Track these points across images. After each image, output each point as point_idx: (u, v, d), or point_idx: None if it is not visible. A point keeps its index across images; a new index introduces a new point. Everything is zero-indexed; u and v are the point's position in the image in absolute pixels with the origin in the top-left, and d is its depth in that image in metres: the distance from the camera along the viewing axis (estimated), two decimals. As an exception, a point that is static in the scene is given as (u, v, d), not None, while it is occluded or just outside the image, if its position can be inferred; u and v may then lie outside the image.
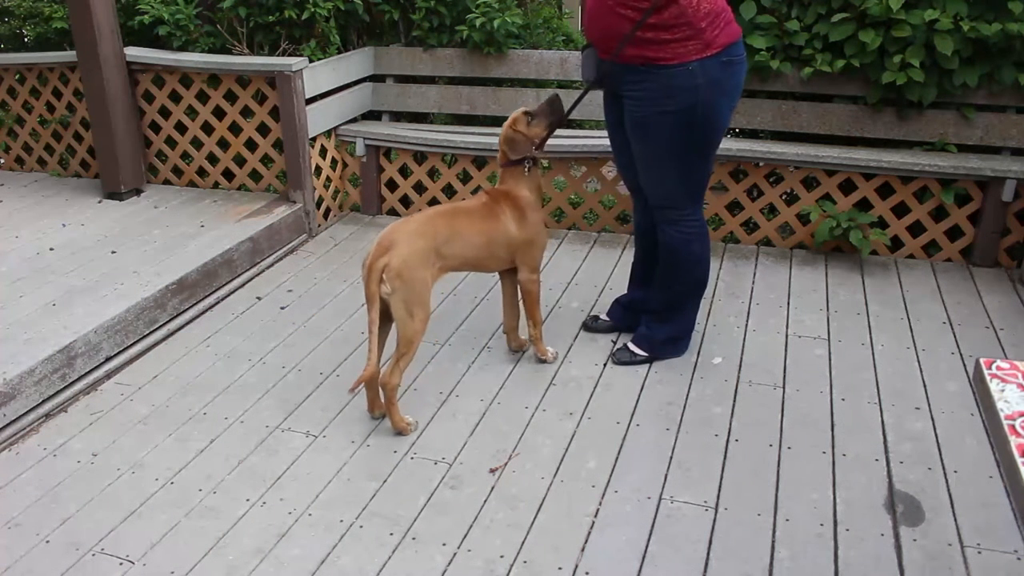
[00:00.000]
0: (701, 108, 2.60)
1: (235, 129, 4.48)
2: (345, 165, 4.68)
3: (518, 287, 2.98)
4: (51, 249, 3.85)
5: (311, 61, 4.23)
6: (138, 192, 4.56)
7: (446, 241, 2.68)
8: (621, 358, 3.04)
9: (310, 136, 4.27)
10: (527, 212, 2.86)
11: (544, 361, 3.05)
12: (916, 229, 3.94)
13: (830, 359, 3.06)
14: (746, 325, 3.31)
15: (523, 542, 2.23)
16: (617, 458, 2.55)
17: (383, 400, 2.69)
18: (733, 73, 2.65)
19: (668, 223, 2.85)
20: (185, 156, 4.67)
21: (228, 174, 4.65)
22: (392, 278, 2.52)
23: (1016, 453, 1.24)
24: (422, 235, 2.61)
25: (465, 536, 2.26)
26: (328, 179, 4.56)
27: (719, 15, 2.57)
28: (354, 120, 4.69)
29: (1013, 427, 1.30)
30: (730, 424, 2.70)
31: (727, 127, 2.79)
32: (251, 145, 4.49)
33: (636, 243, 3.17)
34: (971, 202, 3.81)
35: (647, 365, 3.03)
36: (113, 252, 3.78)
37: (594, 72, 2.76)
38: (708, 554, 2.17)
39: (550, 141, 4.19)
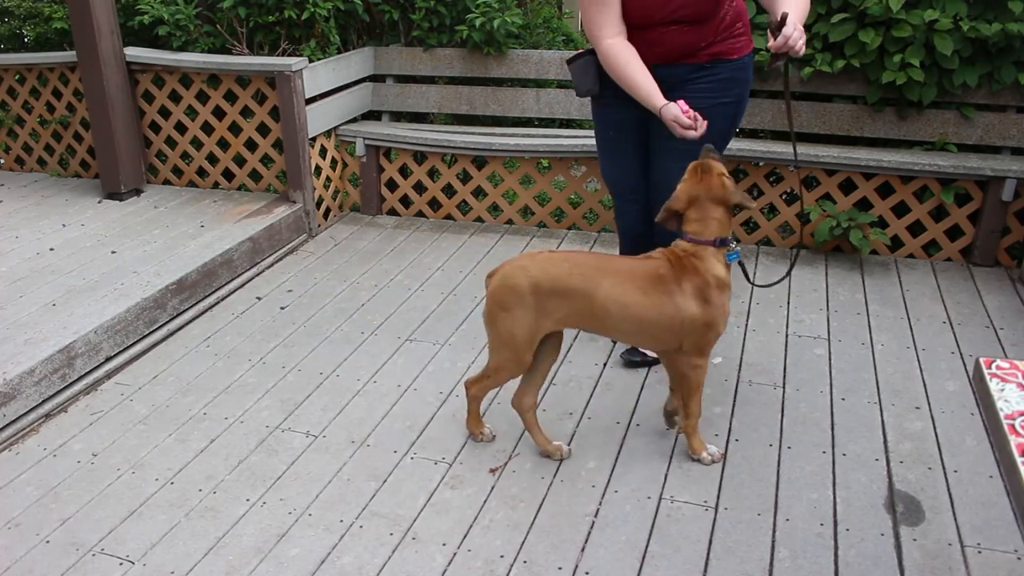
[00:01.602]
0: (745, 100, 2.73)
1: (235, 129, 4.48)
2: (345, 165, 4.68)
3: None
4: (51, 249, 3.85)
5: (311, 61, 4.23)
6: (138, 192, 4.56)
7: (560, 293, 2.27)
8: (632, 359, 3.02)
9: (310, 136, 4.27)
10: (713, 292, 2.31)
11: (698, 461, 2.51)
12: (916, 228, 3.94)
13: (830, 359, 3.06)
14: (746, 325, 3.31)
15: (523, 542, 2.23)
16: (617, 458, 2.55)
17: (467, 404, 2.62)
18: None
19: None
20: (185, 156, 4.68)
21: (228, 174, 4.65)
22: (485, 304, 2.42)
23: (1016, 452, 1.24)
24: (525, 275, 2.29)
25: (465, 536, 2.26)
26: (328, 179, 4.56)
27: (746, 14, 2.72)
28: (354, 120, 4.69)
29: (1013, 426, 1.30)
30: (730, 424, 2.70)
31: None
32: (251, 145, 4.49)
33: (626, 248, 3.05)
34: (971, 201, 3.81)
35: (647, 365, 3.03)
36: (113, 252, 3.78)
37: (596, 83, 2.73)
38: (708, 554, 2.17)
39: (550, 140, 4.25)
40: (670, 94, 2.63)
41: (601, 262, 2.36)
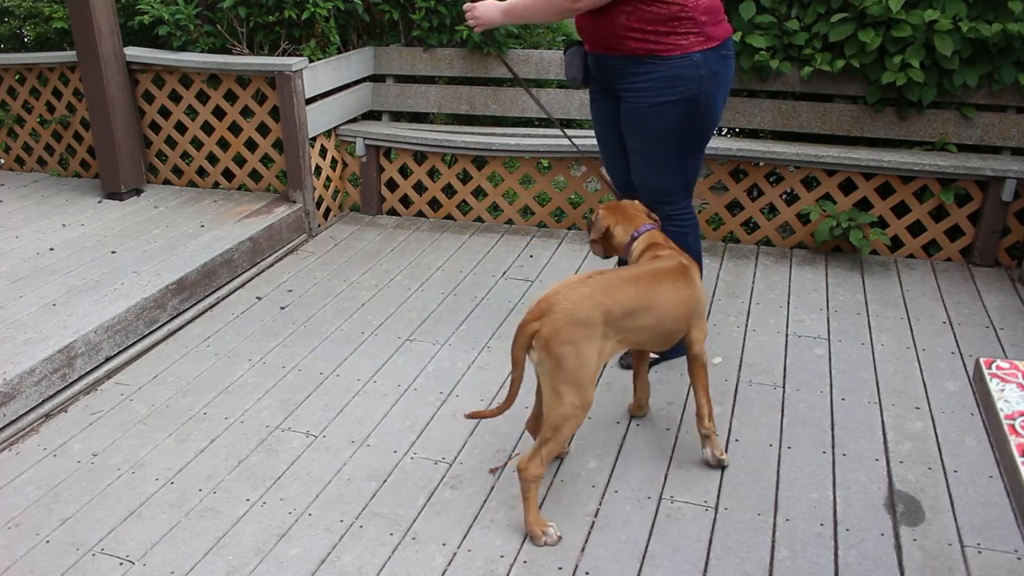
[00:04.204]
0: (703, 99, 2.65)
1: (235, 129, 4.48)
2: (345, 165, 4.68)
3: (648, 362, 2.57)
4: (51, 249, 3.85)
5: (311, 61, 4.23)
6: (138, 192, 4.56)
7: (629, 314, 2.21)
8: (629, 363, 3.02)
9: (310, 136, 4.27)
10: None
11: (721, 462, 2.48)
12: (916, 229, 3.94)
13: (830, 359, 3.06)
14: (746, 325, 3.31)
15: (523, 542, 2.23)
16: (617, 458, 2.55)
17: (521, 491, 2.24)
18: (728, 67, 2.73)
19: (662, 218, 2.85)
20: (185, 156, 4.68)
21: (228, 174, 4.65)
22: (540, 348, 2.12)
23: (1016, 453, 1.24)
24: (594, 304, 2.14)
25: (465, 536, 2.26)
26: (328, 179, 4.56)
27: (717, 11, 2.65)
28: (354, 120, 4.69)
29: (1013, 427, 1.30)
30: (730, 424, 2.70)
31: (719, 122, 2.85)
32: (251, 145, 4.49)
33: None
34: (971, 202, 3.81)
35: (647, 365, 3.03)
36: (113, 252, 3.78)
37: (580, 71, 2.82)
38: (708, 554, 2.17)
39: (550, 140, 4.25)
40: (605, 96, 2.83)
41: (649, 273, 2.31)
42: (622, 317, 2.19)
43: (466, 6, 2.83)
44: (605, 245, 2.60)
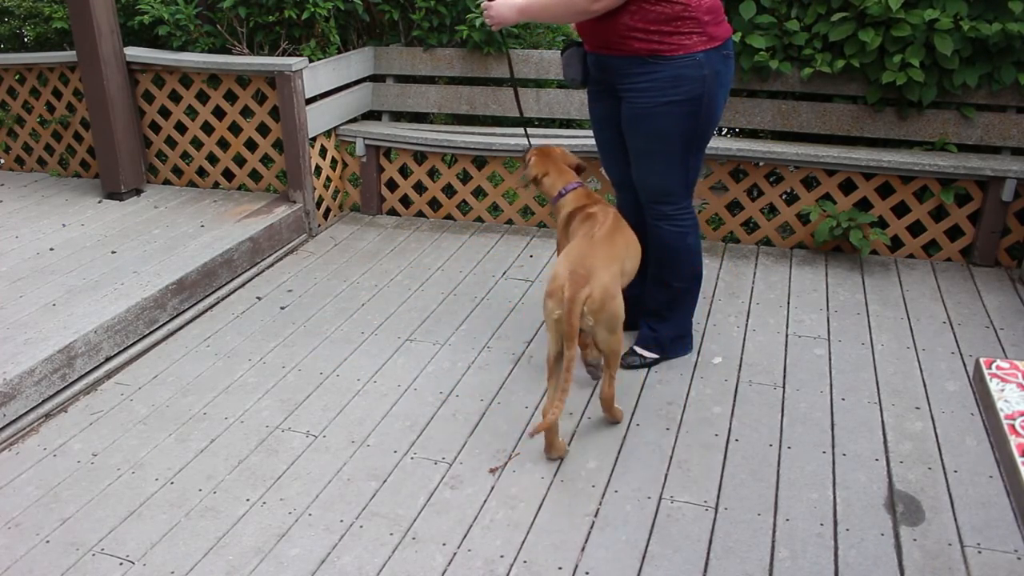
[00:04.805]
0: (706, 99, 2.66)
1: (235, 129, 4.48)
2: (345, 165, 4.68)
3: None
4: (51, 249, 3.85)
5: (311, 61, 4.24)
6: (138, 192, 4.57)
7: (626, 257, 2.64)
8: (631, 363, 3.01)
9: (310, 136, 4.27)
10: None
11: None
12: (916, 229, 3.94)
13: (830, 359, 3.06)
14: (746, 325, 3.31)
15: (523, 542, 2.23)
16: (617, 458, 2.55)
17: (604, 411, 2.68)
18: (729, 67, 2.74)
19: (663, 218, 2.86)
20: (185, 156, 4.68)
21: (228, 174, 4.66)
22: (596, 310, 2.40)
23: (1016, 453, 1.24)
24: (614, 258, 2.54)
25: (465, 536, 2.26)
26: (328, 179, 4.56)
27: (718, 11, 2.66)
28: (354, 120, 4.69)
29: (1013, 427, 1.30)
30: (730, 424, 2.70)
31: (719, 122, 2.86)
32: (251, 145, 4.49)
33: None
34: (971, 202, 3.81)
35: (646, 366, 3.03)
36: (113, 252, 3.78)
37: (579, 71, 2.83)
38: (708, 554, 2.17)
39: (550, 140, 4.25)
40: (604, 96, 2.85)
41: (615, 224, 2.67)
42: (625, 260, 2.60)
43: (483, 4, 2.82)
44: (535, 187, 2.96)
